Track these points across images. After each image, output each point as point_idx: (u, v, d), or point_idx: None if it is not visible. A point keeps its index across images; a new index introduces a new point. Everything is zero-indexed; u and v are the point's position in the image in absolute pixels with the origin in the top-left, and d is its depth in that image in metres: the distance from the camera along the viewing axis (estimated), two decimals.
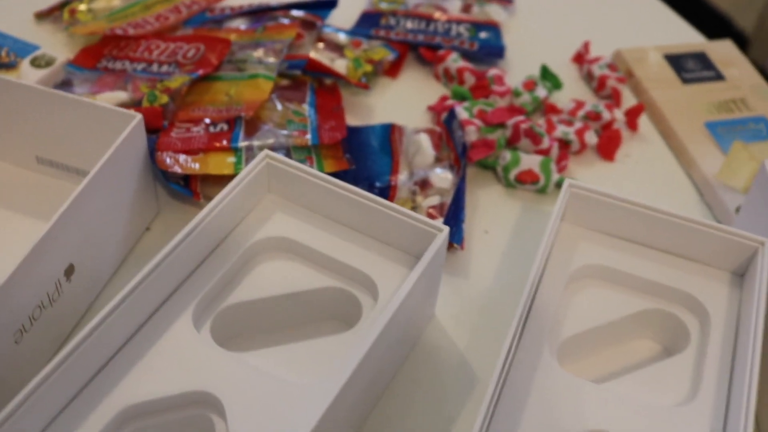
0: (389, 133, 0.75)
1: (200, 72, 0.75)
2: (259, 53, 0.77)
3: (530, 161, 0.72)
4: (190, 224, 0.55)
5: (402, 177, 0.70)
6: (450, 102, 0.78)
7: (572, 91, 0.84)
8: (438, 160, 0.72)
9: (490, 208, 0.71)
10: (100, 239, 0.60)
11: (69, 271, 0.57)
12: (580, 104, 0.78)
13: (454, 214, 0.67)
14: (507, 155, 0.72)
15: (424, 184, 0.69)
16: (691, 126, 0.79)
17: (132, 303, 0.51)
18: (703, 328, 0.59)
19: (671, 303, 0.60)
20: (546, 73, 0.82)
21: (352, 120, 0.78)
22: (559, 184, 0.73)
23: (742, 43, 1.97)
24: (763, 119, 0.81)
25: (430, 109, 0.79)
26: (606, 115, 0.77)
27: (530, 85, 0.80)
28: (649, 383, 0.56)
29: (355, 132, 0.74)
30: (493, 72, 0.81)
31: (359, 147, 0.73)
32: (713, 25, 2.14)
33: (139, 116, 0.61)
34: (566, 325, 0.58)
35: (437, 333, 0.62)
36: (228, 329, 0.57)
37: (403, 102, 0.81)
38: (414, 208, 0.68)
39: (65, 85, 0.75)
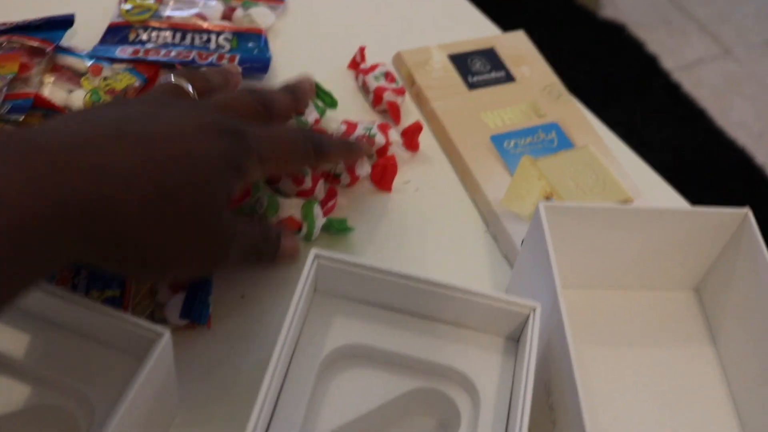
0: None
1: None
2: None
3: (291, 205, 0.63)
4: None
5: None
6: None
7: (350, 107, 0.75)
8: None
9: None
10: None
11: None
12: (351, 127, 0.69)
13: (199, 287, 0.58)
14: (264, 201, 0.63)
15: None
16: (476, 141, 0.72)
17: None
18: (473, 405, 0.53)
19: (440, 379, 0.54)
20: (319, 91, 0.73)
21: None
22: (327, 228, 0.65)
23: None
24: (555, 126, 0.74)
25: None
26: (380, 139, 0.69)
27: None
28: None
29: None
30: None
31: None
32: None
33: None
34: (322, 419, 0.51)
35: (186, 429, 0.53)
36: None
37: None
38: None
39: None
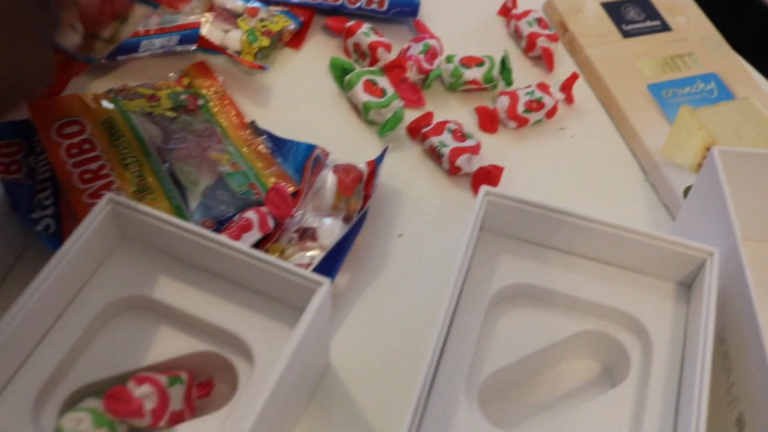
0: (308, 155, 0.63)
1: None
2: None
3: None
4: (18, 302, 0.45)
5: (296, 216, 0.60)
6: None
7: (500, 50, 0.73)
8: (335, 209, 0.60)
9: (414, 202, 0.63)
10: None
11: None
12: (513, 97, 0.68)
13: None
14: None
15: (304, 234, 0.58)
16: (633, 90, 0.70)
17: None
18: (644, 351, 0.51)
19: (608, 323, 0.53)
20: (504, 66, 0.71)
21: (249, 104, 0.68)
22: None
23: None
24: (714, 77, 0.72)
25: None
26: (548, 101, 0.68)
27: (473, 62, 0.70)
28: (586, 423, 0.48)
29: (278, 143, 0.65)
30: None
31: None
32: None
33: None
34: (490, 357, 0.51)
35: (335, 384, 0.53)
36: None
37: (309, 79, 0.71)
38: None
39: None
